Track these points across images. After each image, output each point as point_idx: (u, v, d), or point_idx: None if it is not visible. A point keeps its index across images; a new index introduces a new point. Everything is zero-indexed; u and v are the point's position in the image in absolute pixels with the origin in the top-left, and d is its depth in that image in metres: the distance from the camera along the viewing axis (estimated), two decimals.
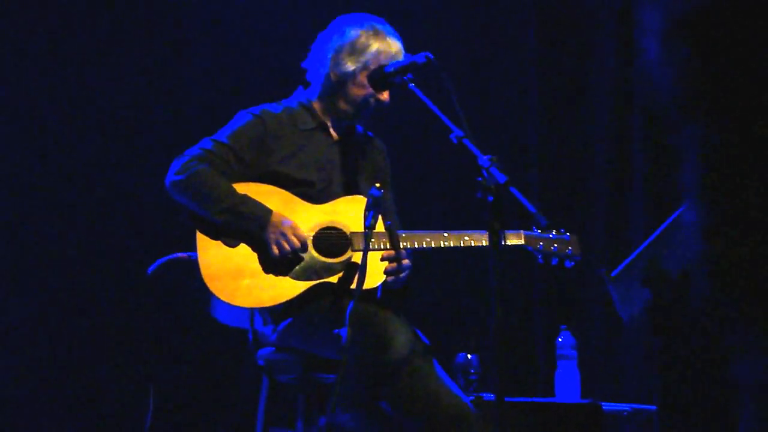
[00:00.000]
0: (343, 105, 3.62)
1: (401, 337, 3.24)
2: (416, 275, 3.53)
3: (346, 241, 3.48)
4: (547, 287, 5.26)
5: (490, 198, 2.69)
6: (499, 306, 2.63)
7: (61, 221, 5.05)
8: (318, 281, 3.44)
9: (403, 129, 5.13)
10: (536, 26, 5.42)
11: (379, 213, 3.19)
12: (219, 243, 3.46)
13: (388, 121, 3.76)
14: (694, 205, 1.72)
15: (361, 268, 3.11)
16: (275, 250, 3.42)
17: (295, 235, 3.43)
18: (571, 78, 5.36)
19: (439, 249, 3.48)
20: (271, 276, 3.44)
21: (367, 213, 3.17)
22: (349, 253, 3.46)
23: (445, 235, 3.49)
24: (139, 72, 5.19)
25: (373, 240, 3.38)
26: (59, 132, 5.08)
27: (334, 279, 3.45)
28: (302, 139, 3.63)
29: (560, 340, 4.40)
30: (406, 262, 3.44)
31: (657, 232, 3.29)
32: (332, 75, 3.60)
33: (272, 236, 3.42)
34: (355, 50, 3.56)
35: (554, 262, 3.60)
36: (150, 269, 3.80)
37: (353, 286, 3.37)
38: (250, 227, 3.43)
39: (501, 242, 2.66)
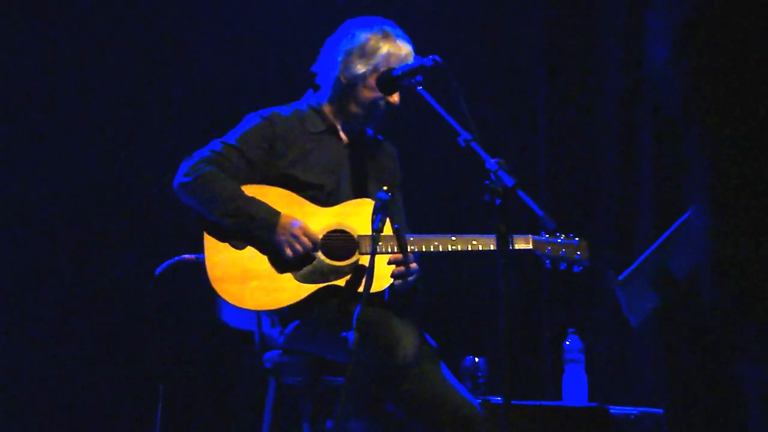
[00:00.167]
0: (353, 108, 3.62)
1: (408, 340, 3.23)
2: (424, 278, 3.52)
3: (354, 244, 3.47)
4: (555, 290, 5.25)
5: (498, 201, 2.69)
6: (507, 309, 2.63)
7: (69, 222, 5.06)
8: (325, 284, 3.44)
9: (411, 132, 5.13)
10: (543, 29, 5.42)
11: (387, 216, 3.19)
12: (227, 245, 3.46)
13: (396, 124, 3.76)
14: (702, 208, 1.72)
15: (369, 272, 3.11)
16: (289, 252, 3.42)
17: (306, 236, 3.43)
18: (579, 81, 5.35)
19: (446, 253, 3.48)
20: (278, 278, 3.44)
21: (374, 216, 3.17)
22: (356, 256, 3.46)
23: (453, 239, 3.49)
24: (152, 73, 5.20)
25: (380, 243, 3.38)
26: (67, 132, 5.09)
27: (341, 282, 3.45)
28: (312, 142, 3.63)
29: (568, 343, 4.39)
30: (413, 265, 3.44)
31: (665, 235, 3.28)
32: (342, 78, 3.60)
33: (283, 238, 3.42)
34: (366, 53, 3.57)
35: (562, 266, 3.58)
36: (157, 270, 3.81)
37: (360, 289, 3.37)
38: (257, 230, 3.43)
39: (509, 245, 2.65)
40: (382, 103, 3.59)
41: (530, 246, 3.55)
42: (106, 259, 5.07)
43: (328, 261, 3.46)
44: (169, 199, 3.59)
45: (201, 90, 5.23)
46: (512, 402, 2.64)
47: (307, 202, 3.52)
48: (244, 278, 3.43)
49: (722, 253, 1.69)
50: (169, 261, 3.81)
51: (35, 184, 5.05)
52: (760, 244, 1.66)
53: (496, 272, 2.63)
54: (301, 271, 3.45)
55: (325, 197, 3.55)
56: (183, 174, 3.51)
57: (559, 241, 3.57)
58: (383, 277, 3.41)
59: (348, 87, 3.60)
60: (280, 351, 3.59)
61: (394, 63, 3.52)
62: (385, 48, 3.57)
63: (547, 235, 3.56)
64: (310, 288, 3.44)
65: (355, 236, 3.48)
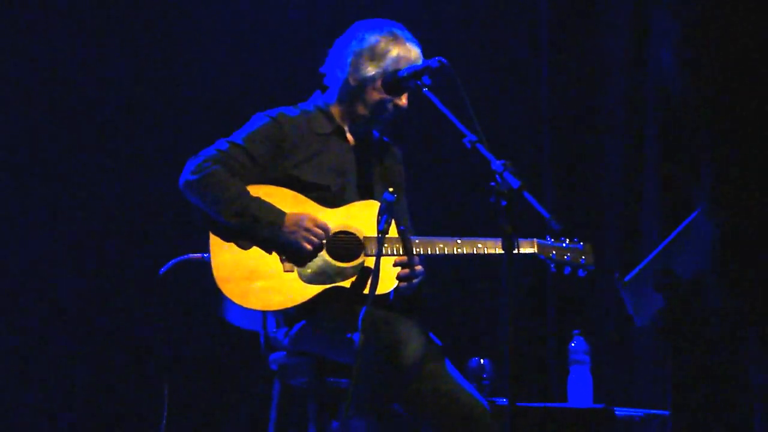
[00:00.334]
0: (361, 109, 3.62)
1: (414, 341, 3.23)
2: (430, 280, 3.52)
3: (360, 245, 3.48)
4: (560, 292, 5.25)
5: (504, 203, 2.69)
6: (512, 311, 2.63)
7: (74, 221, 5.06)
8: (331, 285, 3.44)
9: (417, 134, 5.13)
10: (549, 30, 5.41)
11: (393, 218, 3.19)
12: (232, 245, 3.46)
13: (402, 126, 3.76)
14: (707, 211, 1.72)
15: (374, 273, 3.11)
16: (307, 246, 3.42)
17: (317, 225, 3.44)
18: (584, 83, 5.35)
19: (452, 256, 3.48)
20: (283, 279, 3.44)
21: (380, 218, 3.17)
22: (362, 258, 3.46)
23: (459, 241, 3.49)
24: (159, 72, 5.20)
25: (386, 245, 3.38)
26: (72, 131, 5.09)
27: (346, 283, 3.45)
28: (319, 144, 3.63)
29: (573, 345, 4.39)
30: (418, 268, 3.43)
31: (670, 238, 3.28)
32: (351, 80, 3.61)
33: (296, 235, 3.42)
34: (375, 55, 3.57)
35: (567, 271, 3.58)
36: (162, 270, 3.81)
37: (366, 290, 3.37)
38: (262, 231, 3.43)
39: (514, 247, 2.65)
40: (389, 105, 3.59)
41: (535, 250, 3.55)
42: (110, 258, 5.07)
43: (333, 262, 3.46)
44: (175, 198, 3.59)
45: (208, 89, 5.23)
46: (517, 404, 2.63)
47: (313, 203, 3.52)
48: (250, 278, 3.43)
49: (727, 255, 1.69)
50: (174, 260, 3.81)
51: (39, 183, 5.05)
52: (765, 247, 1.66)
53: (501, 274, 2.63)
54: (307, 272, 3.45)
55: (331, 198, 3.55)
56: (189, 172, 3.51)
57: (563, 245, 3.57)
58: (388, 279, 3.41)
59: (357, 89, 3.60)
60: (286, 352, 3.59)
61: (403, 65, 3.52)
62: (394, 50, 3.57)
63: (552, 239, 3.56)
64: (315, 289, 3.44)
65: (361, 238, 3.48)
